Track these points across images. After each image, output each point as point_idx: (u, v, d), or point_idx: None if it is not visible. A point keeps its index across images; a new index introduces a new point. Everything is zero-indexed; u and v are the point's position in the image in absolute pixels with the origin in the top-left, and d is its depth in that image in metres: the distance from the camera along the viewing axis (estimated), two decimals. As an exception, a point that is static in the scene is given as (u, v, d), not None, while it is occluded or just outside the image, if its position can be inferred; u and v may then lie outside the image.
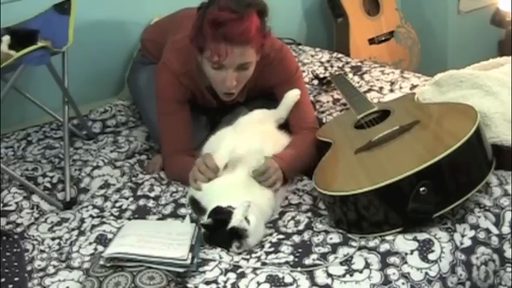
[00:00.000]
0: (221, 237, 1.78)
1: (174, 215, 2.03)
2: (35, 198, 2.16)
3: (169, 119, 2.23)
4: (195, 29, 2.05)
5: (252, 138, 2.08)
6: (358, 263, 1.65)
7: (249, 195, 1.88)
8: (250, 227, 1.75)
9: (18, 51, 2.14)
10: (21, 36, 2.25)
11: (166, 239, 1.74)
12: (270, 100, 2.32)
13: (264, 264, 1.70)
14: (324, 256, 1.70)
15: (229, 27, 1.95)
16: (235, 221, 1.75)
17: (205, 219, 1.83)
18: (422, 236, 1.69)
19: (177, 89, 2.21)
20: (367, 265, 1.64)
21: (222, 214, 1.78)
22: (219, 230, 1.77)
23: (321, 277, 1.62)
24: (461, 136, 1.68)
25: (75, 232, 1.97)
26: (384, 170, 1.71)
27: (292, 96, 2.23)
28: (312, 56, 3.07)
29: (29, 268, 1.82)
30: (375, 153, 1.83)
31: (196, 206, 1.97)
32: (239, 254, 1.76)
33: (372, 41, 3.53)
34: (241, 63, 2.04)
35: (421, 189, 1.63)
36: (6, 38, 2.24)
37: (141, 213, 2.05)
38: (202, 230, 1.82)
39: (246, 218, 1.76)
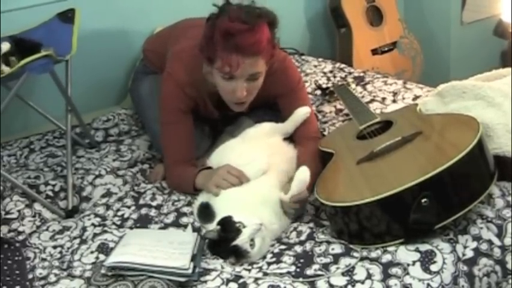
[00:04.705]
0: (222, 251, 1.79)
1: (175, 224, 2.03)
2: (37, 206, 2.16)
3: (172, 128, 2.23)
4: (205, 39, 2.05)
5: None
6: (360, 273, 1.64)
7: (264, 212, 1.89)
8: (253, 250, 1.76)
9: (19, 60, 2.15)
10: (25, 47, 2.25)
11: (168, 248, 1.75)
12: (272, 110, 2.32)
13: (265, 274, 1.69)
14: (325, 267, 1.69)
15: (241, 38, 1.96)
16: (240, 240, 1.75)
17: (213, 225, 1.84)
18: (424, 247, 1.68)
19: (181, 99, 2.21)
20: (369, 276, 1.63)
21: (230, 230, 1.78)
22: (222, 243, 1.78)
23: (322, 288, 1.62)
24: (463, 147, 1.68)
25: (77, 241, 1.97)
26: (385, 180, 1.71)
27: (301, 113, 2.24)
28: (315, 66, 3.08)
29: (30, 276, 1.82)
30: (377, 163, 1.83)
31: (206, 212, 1.97)
32: (241, 264, 1.76)
33: (374, 52, 3.53)
34: (251, 73, 2.04)
35: (423, 200, 1.63)
36: (6, 46, 2.24)
37: (143, 222, 2.05)
38: (207, 240, 1.83)
39: (252, 240, 1.76)
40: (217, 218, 1.86)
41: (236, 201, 1.93)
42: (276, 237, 1.90)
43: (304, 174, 1.91)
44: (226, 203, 1.93)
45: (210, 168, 2.10)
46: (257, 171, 2.01)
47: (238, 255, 1.75)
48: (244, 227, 1.77)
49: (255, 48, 1.99)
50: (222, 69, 2.02)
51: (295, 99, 2.27)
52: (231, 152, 2.12)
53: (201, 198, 2.04)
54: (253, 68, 2.04)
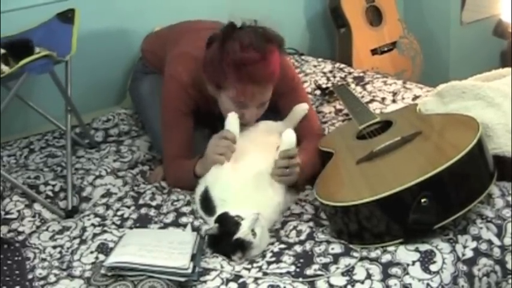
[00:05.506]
0: (225, 246, 1.78)
1: (175, 223, 2.03)
2: (37, 206, 2.16)
3: (173, 129, 2.23)
4: (211, 62, 2.04)
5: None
6: (359, 273, 1.64)
7: (261, 200, 1.91)
8: (256, 240, 1.76)
9: (16, 62, 2.14)
10: (16, 48, 2.24)
11: (168, 248, 1.74)
12: (271, 112, 2.32)
13: (265, 274, 1.69)
14: (325, 266, 1.69)
15: (255, 69, 1.96)
16: (242, 233, 1.75)
17: (212, 220, 1.84)
18: (424, 247, 1.68)
19: (183, 101, 2.21)
20: (369, 276, 1.63)
21: (229, 225, 1.78)
22: (224, 239, 1.78)
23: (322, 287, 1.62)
24: (463, 147, 1.68)
25: (77, 241, 1.97)
26: (385, 180, 1.71)
27: (299, 110, 2.24)
28: (315, 66, 3.08)
29: (30, 276, 1.82)
30: (377, 163, 1.83)
31: (207, 203, 1.97)
32: (240, 263, 1.76)
33: (374, 52, 3.54)
34: (263, 101, 2.08)
35: (423, 200, 1.63)
36: (2, 51, 2.24)
37: (143, 222, 2.05)
38: (207, 237, 1.83)
39: (252, 230, 1.76)
40: (217, 210, 1.87)
41: (232, 186, 1.94)
42: (272, 225, 1.92)
43: (289, 134, 1.95)
44: (223, 188, 1.95)
45: None
46: (233, 124, 2.02)
47: (243, 248, 1.75)
48: (242, 219, 1.77)
49: (269, 78, 2.02)
50: (236, 98, 2.03)
51: (295, 97, 2.28)
52: None
53: (202, 185, 2.04)
54: (264, 96, 2.07)
